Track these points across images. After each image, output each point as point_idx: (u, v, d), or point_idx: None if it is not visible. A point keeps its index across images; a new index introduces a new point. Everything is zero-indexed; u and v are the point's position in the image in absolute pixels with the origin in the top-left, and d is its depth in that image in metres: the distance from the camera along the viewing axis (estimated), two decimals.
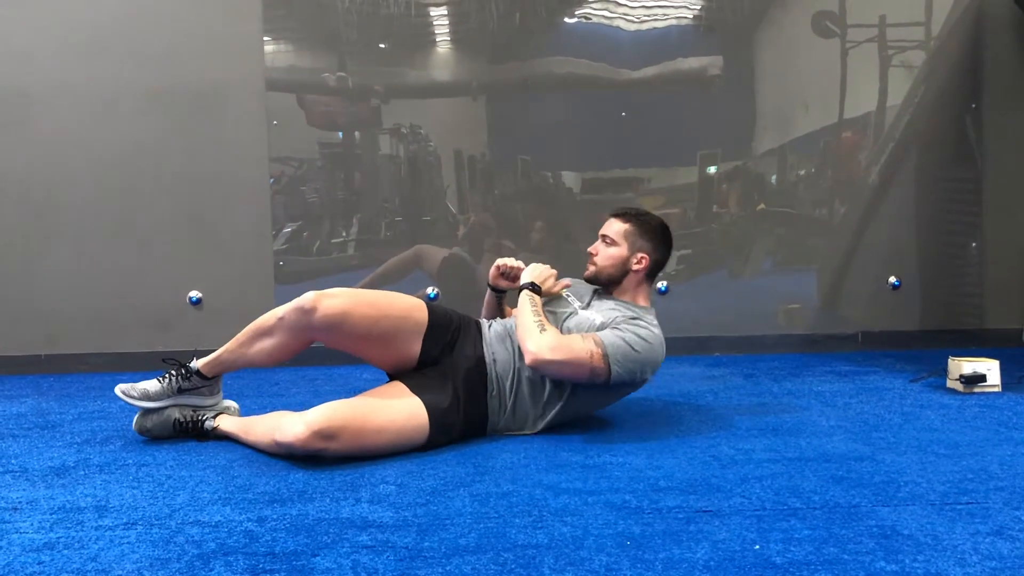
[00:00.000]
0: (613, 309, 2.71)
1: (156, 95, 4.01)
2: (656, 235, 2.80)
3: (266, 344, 2.59)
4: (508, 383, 2.62)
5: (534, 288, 2.74)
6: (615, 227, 2.81)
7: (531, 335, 2.54)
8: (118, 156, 4.00)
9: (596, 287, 2.85)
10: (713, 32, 4.23)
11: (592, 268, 2.83)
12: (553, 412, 2.64)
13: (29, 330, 4.00)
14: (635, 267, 2.78)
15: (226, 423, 2.64)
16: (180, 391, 2.65)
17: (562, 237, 4.23)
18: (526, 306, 2.65)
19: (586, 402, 2.68)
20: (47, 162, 3.98)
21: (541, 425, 2.65)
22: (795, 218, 4.35)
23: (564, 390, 2.62)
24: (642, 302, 2.80)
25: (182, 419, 2.63)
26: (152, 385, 2.63)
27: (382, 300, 2.64)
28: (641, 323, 2.63)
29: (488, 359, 2.64)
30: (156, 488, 2.14)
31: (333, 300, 2.49)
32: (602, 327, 2.63)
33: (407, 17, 4.11)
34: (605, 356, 2.51)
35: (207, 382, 2.68)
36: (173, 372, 2.65)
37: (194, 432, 2.63)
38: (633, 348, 2.55)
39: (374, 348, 2.62)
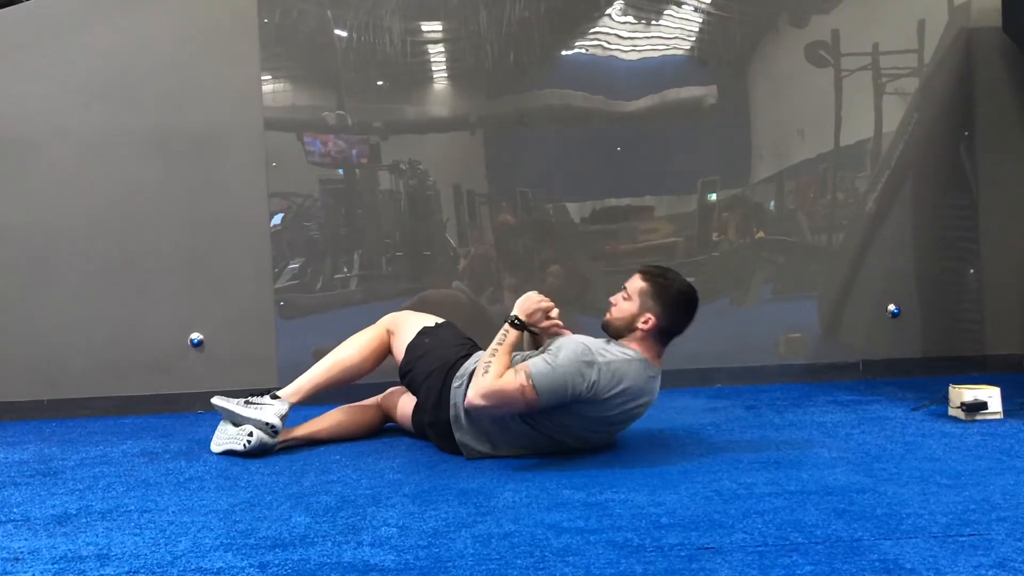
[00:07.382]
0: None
1: (154, 138, 4.03)
2: (668, 301, 2.76)
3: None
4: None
5: (516, 323, 2.79)
6: (634, 284, 2.81)
7: (476, 377, 2.68)
8: (117, 200, 4.02)
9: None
10: (706, 65, 4.26)
11: (607, 316, 2.83)
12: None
13: (31, 375, 4.00)
14: (641, 326, 2.75)
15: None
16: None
17: (567, 270, 4.24)
18: (494, 342, 2.76)
19: (563, 426, 2.74)
20: (47, 207, 3.99)
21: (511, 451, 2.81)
22: (794, 246, 4.36)
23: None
24: (644, 354, 2.76)
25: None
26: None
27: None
28: (591, 348, 2.68)
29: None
30: (158, 535, 2.14)
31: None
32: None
33: (404, 55, 4.15)
34: (533, 386, 2.59)
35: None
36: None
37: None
38: (552, 365, 2.60)
39: None
